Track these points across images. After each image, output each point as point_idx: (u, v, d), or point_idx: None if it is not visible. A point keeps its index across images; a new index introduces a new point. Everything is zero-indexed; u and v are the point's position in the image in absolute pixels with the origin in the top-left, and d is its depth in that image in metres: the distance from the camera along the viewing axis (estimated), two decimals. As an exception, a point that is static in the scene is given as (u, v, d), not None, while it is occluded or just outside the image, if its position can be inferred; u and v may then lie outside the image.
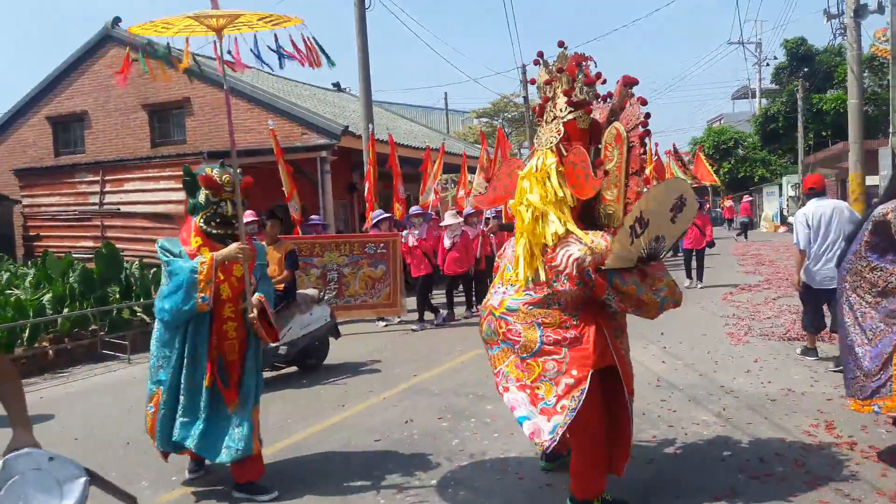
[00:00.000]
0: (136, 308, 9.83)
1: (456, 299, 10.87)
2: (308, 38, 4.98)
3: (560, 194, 3.65)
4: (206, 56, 18.24)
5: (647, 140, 3.89)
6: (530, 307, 3.61)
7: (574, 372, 3.47)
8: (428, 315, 10.27)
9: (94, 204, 14.63)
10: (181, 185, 12.12)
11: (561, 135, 3.77)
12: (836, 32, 19.46)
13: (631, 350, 7.43)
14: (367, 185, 11.52)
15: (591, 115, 3.84)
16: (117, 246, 11.64)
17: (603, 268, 3.49)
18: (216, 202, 4.16)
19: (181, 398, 4.04)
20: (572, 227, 3.61)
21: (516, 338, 3.62)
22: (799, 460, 4.20)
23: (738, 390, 5.81)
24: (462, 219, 10.81)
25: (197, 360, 4.03)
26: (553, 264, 3.57)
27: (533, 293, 3.62)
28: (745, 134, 38.65)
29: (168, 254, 4.08)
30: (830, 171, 25.38)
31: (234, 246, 4.06)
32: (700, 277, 12.56)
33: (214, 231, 4.17)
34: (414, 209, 10.73)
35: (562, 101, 3.80)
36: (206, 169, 4.22)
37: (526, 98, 30.60)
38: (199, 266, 3.96)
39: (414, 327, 9.87)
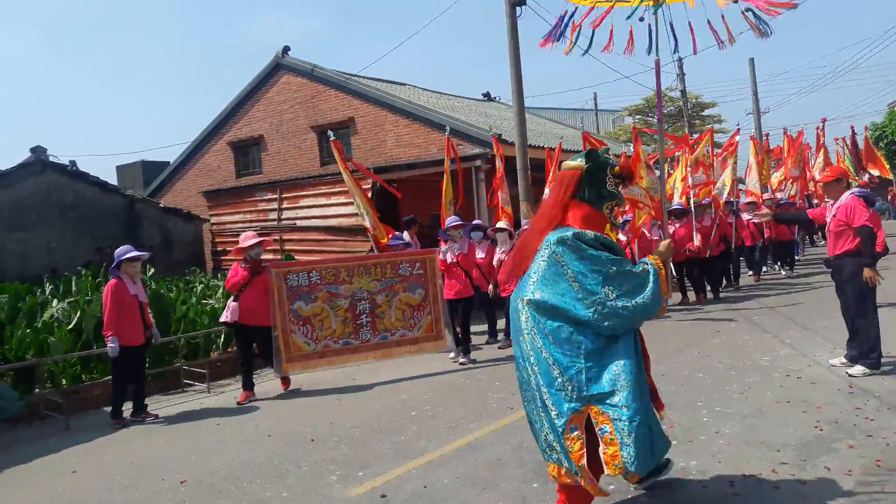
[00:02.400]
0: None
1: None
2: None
3: None
4: (369, 77, 19.14)
5: None
6: None
7: None
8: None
9: (272, 220, 15.86)
10: (350, 200, 12.16)
11: None
12: None
13: (818, 354, 7.04)
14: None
15: None
16: (295, 257, 12.58)
17: None
18: (617, 193, 3.73)
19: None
20: None
21: None
22: None
23: (946, 399, 5.27)
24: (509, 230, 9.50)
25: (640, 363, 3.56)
26: None
27: None
28: (936, 114, 34.68)
29: (601, 248, 3.50)
30: None
31: (667, 244, 3.87)
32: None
33: (614, 225, 3.76)
34: (451, 220, 9.01)
35: None
36: (606, 154, 3.78)
37: (683, 91, 29.38)
38: (656, 266, 3.55)
39: (462, 360, 8.33)
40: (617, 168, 3.71)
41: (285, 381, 7.70)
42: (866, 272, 6.10)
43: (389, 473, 4.76)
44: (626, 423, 3.31)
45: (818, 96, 71.89)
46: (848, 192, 6.38)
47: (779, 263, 15.16)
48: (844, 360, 6.45)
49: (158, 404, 7.48)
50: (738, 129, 15.61)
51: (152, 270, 12.83)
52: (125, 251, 6.94)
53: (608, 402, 3.36)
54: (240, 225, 16.40)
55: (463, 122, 14.94)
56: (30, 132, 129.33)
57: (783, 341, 7.85)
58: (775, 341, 7.91)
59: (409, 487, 4.46)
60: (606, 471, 3.39)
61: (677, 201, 12.52)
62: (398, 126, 15.74)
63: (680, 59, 28.10)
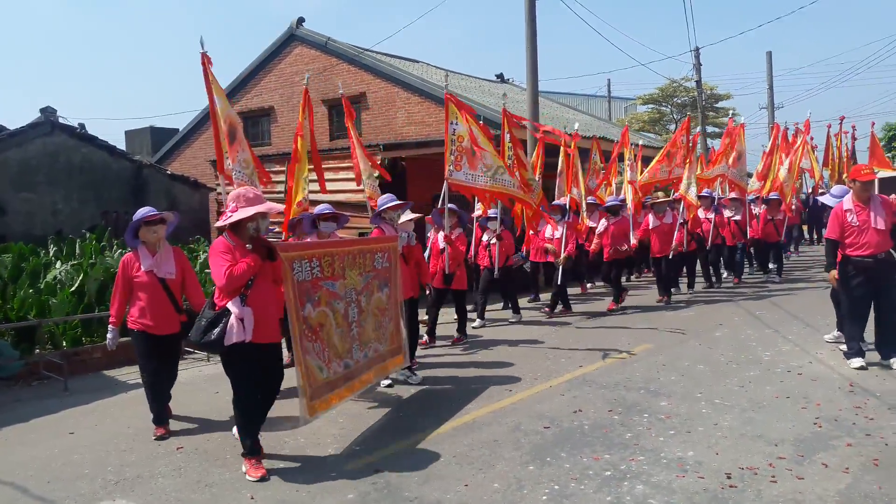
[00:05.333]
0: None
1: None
2: None
3: None
4: (383, 52, 18.99)
5: None
6: None
7: None
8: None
9: (280, 192, 15.79)
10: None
11: None
12: None
13: (820, 352, 7.02)
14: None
15: None
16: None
17: None
18: None
19: None
20: None
21: None
22: None
23: (948, 402, 5.24)
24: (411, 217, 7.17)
25: None
26: None
27: None
28: (953, 117, 34.30)
29: None
30: None
31: None
32: None
33: None
34: (386, 198, 6.93)
35: None
36: None
37: (699, 82, 29.11)
38: None
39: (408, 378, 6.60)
40: None
41: (254, 457, 4.48)
42: None
43: (386, 449, 4.76)
44: None
45: (834, 94, 71.13)
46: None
47: (762, 267, 13.48)
48: (861, 361, 6.39)
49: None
50: (732, 119, 13.26)
51: (157, 237, 12.83)
52: (143, 213, 5.26)
53: None
54: (246, 196, 16.35)
55: (475, 103, 14.82)
56: (40, 92, 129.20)
57: (785, 337, 7.81)
58: (777, 336, 7.88)
59: (405, 463, 4.46)
60: None
61: (614, 196, 11.58)
62: (409, 103, 15.64)
63: (697, 49, 27.85)
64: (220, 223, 4.55)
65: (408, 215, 7.05)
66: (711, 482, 3.96)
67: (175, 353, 5.60)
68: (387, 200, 6.90)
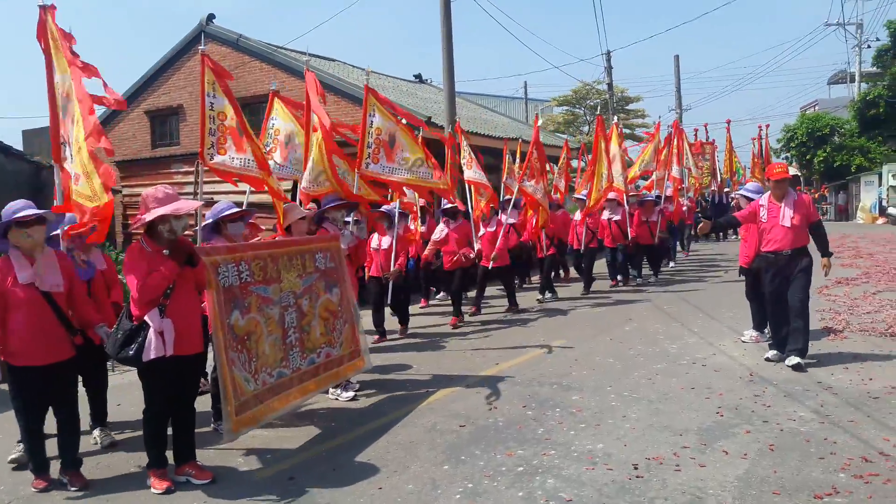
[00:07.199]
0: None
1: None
2: None
3: None
4: (294, 50, 18.65)
5: None
6: None
7: None
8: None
9: (189, 194, 15.27)
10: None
11: None
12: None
13: (722, 343, 7.33)
14: None
15: None
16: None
17: None
18: None
19: None
20: None
21: None
22: (906, 461, 4.00)
23: (836, 387, 5.58)
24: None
25: None
26: None
27: None
28: (842, 120, 36.65)
29: None
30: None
31: None
32: None
33: None
34: (330, 198, 6.87)
35: None
36: None
37: (610, 85, 29.99)
38: None
39: (343, 395, 6.09)
40: None
41: (160, 469, 4.30)
42: (828, 263, 6.56)
43: (298, 456, 4.67)
44: None
45: (741, 96, 74.99)
46: (792, 190, 6.63)
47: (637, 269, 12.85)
48: (776, 354, 6.52)
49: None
50: (658, 125, 14.03)
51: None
52: (14, 209, 4.30)
53: None
54: (155, 198, 15.75)
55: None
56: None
57: (691, 330, 8.13)
58: (683, 330, 8.19)
59: (319, 469, 4.39)
60: None
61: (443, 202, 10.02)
62: (327, 103, 15.40)
63: (608, 53, 28.71)
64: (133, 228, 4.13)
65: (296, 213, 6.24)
66: (619, 473, 4.07)
67: (70, 383, 4.50)
68: (329, 200, 6.69)
